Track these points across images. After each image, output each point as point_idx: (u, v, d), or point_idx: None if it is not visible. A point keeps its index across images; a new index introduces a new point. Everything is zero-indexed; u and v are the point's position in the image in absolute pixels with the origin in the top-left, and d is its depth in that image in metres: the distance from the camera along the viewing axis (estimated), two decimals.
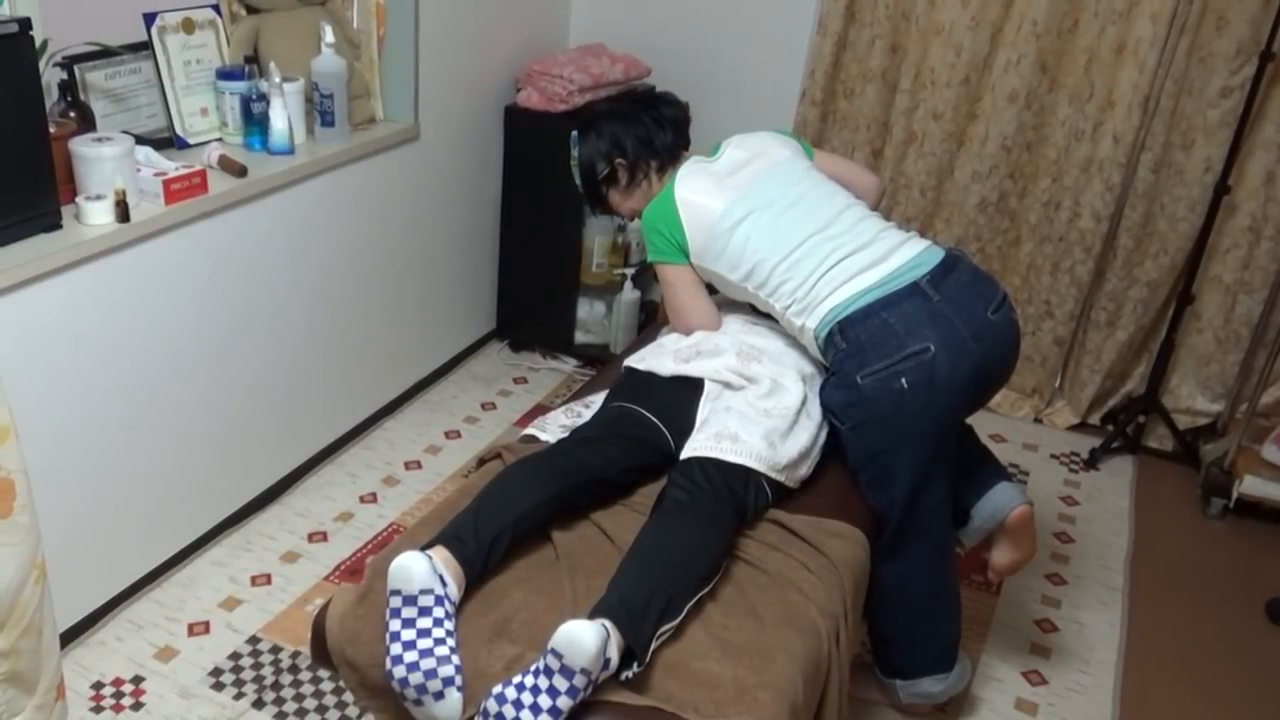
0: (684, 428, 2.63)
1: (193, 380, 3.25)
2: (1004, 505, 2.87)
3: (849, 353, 2.59)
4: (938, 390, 2.54)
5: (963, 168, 4.36)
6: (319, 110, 3.52)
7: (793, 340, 2.85)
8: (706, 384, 2.69)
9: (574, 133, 3.10)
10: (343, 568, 3.47)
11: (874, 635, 2.94)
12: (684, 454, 2.55)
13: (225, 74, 3.35)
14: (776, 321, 2.90)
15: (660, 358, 2.81)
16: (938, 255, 2.69)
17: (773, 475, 2.54)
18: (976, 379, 2.61)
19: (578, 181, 3.13)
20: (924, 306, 2.57)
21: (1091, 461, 4.37)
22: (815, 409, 2.72)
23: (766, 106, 4.60)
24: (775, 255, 2.70)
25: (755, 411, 2.59)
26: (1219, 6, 3.81)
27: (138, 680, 2.99)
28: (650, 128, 3.03)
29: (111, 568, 3.18)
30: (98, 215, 2.82)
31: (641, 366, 2.82)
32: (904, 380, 2.52)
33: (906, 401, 2.54)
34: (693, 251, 2.84)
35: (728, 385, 2.68)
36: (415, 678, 2.01)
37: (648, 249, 2.94)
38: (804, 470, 2.67)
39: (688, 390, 2.70)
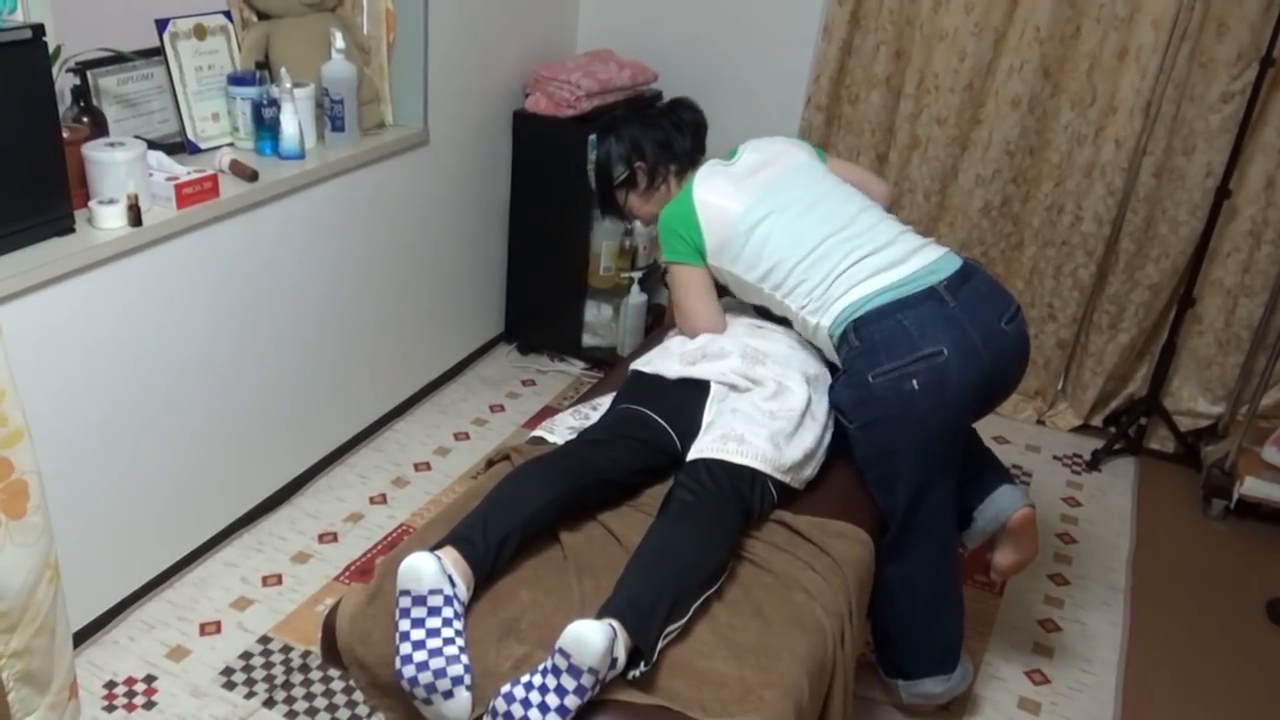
0: (690, 430, 2.64)
1: (204, 382, 3.28)
2: (1006, 508, 2.89)
3: (861, 351, 2.61)
4: (947, 394, 2.56)
5: (966, 172, 4.38)
6: (329, 115, 3.55)
7: (797, 343, 2.87)
8: (712, 386, 2.71)
9: (592, 136, 3.11)
10: (353, 568, 3.49)
11: (877, 636, 2.96)
12: (690, 455, 2.57)
13: (236, 79, 3.38)
14: (782, 325, 2.93)
15: (666, 361, 2.82)
16: (956, 263, 2.70)
17: (778, 476, 2.55)
18: (985, 386, 2.62)
19: (594, 185, 3.15)
20: (940, 311, 2.59)
21: (1094, 463, 4.39)
22: (820, 411, 2.74)
23: (772, 112, 4.63)
24: (794, 256, 2.72)
25: (760, 413, 2.61)
26: (1220, 13, 3.82)
27: (150, 679, 3.02)
28: (669, 132, 3.05)
29: (124, 568, 3.21)
30: (110, 219, 2.84)
31: (648, 369, 2.83)
32: (915, 382, 2.54)
33: (916, 403, 2.56)
34: (710, 252, 2.85)
35: (733, 388, 2.70)
36: (425, 677, 2.03)
37: (662, 249, 2.95)
38: (809, 471, 2.69)
39: (694, 392, 2.71)
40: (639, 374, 2.86)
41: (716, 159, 3.01)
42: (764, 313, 2.98)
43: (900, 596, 2.82)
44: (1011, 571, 2.98)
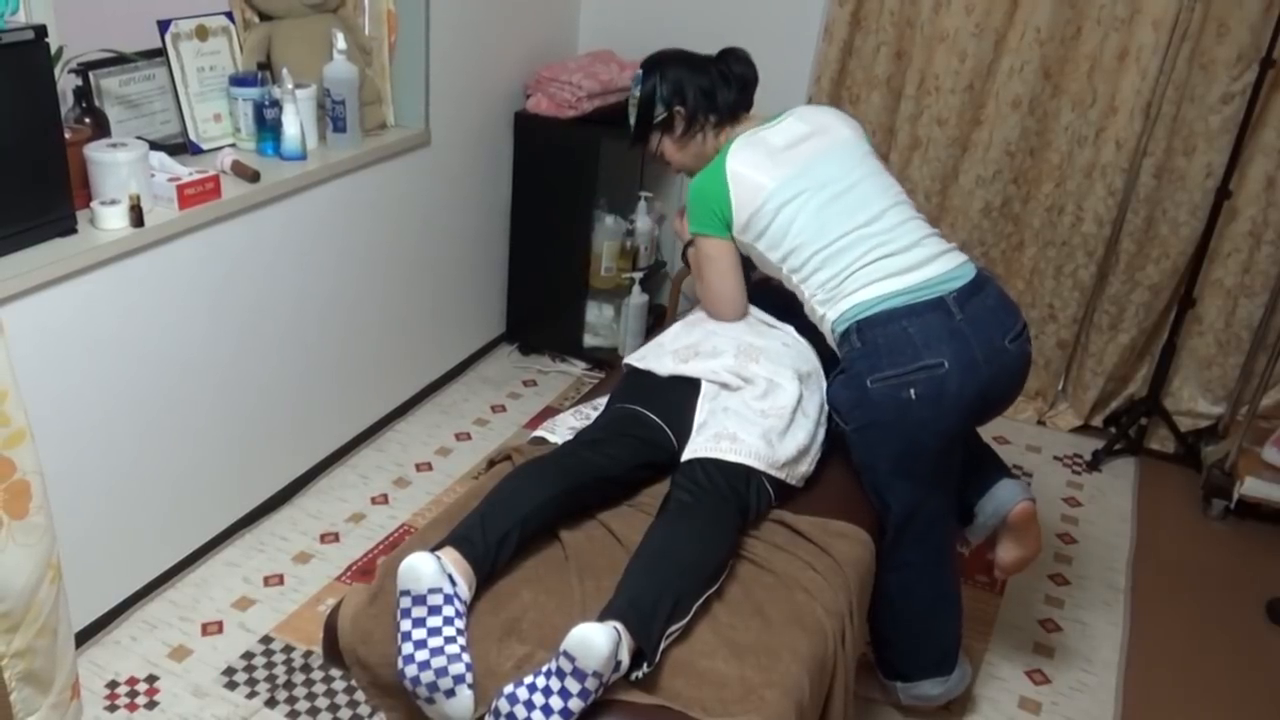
0: (684, 428, 2.66)
1: (206, 382, 3.29)
2: (1006, 501, 2.87)
3: (863, 353, 2.60)
4: (944, 406, 2.56)
5: (967, 173, 4.39)
6: (331, 116, 3.56)
7: (793, 339, 2.88)
8: (703, 385, 2.71)
9: (638, 71, 3.05)
10: (354, 568, 3.50)
11: (875, 639, 2.97)
12: (685, 455, 2.58)
13: (238, 80, 3.38)
14: (779, 318, 2.93)
15: (660, 358, 2.83)
16: (970, 273, 2.68)
17: (773, 473, 2.56)
18: (981, 400, 2.62)
19: (632, 120, 3.05)
20: (946, 322, 2.58)
21: (1094, 463, 4.40)
22: (812, 407, 2.73)
23: (773, 112, 4.62)
24: (816, 244, 2.68)
25: (752, 412, 2.62)
26: (1220, 14, 3.83)
27: (152, 679, 3.03)
28: (716, 81, 2.96)
29: (126, 568, 3.21)
30: (112, 220, 2.85)
31: (641, 365, 2.84)
32: (913, 391, 2.54)
33: (911, 412, 2.56)
34: (736, 226, 2.80)
35: (724, 386, 2.71)
36: (426, 676, 2.03)
37: (690, 219, 2.89)
38: (805, 467, 2.69)
39: (686, 390, 2.72)
40: (633, 371, 2.86)
41: (757, 124, 2.91)
42: (765, 298, 2.99)
43: (898, 602, 2.83)
44: (1015, 568, 2.96)
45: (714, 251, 2.88)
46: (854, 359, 2.63)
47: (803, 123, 2.87)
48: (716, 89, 2.95)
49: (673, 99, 2.96)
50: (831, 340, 2.74)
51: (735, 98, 2.97)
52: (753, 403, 2.64)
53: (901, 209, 2.76)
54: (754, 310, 2.98)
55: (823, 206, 2.70)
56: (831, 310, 2.68)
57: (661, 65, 3.00)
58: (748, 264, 2.93)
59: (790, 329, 2.90)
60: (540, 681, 1.97)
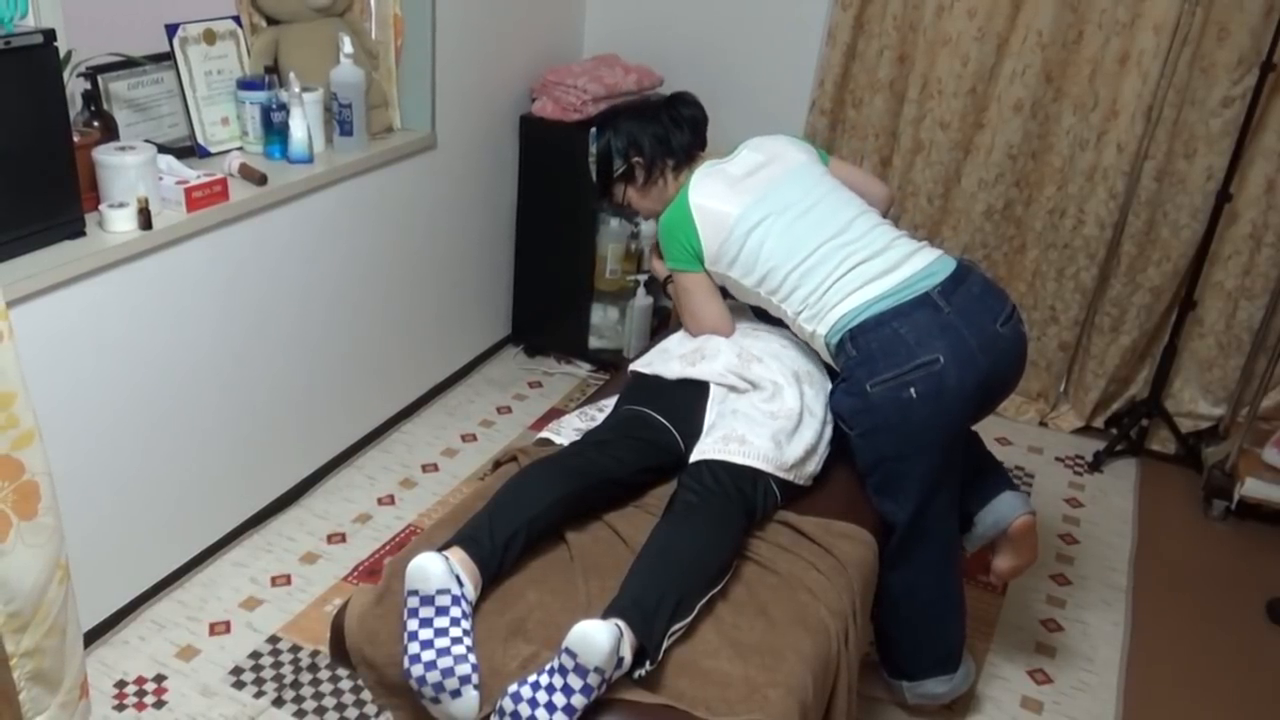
0: (692, 430, 2.67)
1: (213, 384, 3.30)
2: (1007, 514, 2.90)
3: (859, 360, 2.62)
4: (946, 401, 2.57)
5: (969, 176, 4.40)
6: (337, 119, 3.58)
7: (788, 341, 2.89)
8: (712, 388, 2.73)
9: (593, 129, 3.11)
10: (361, 568, 3.51)
11: (880, 638, 2.98)
12: (693, 456, 2.59)
13: (246, 84, 3.40)
14: (774, 325, 2.95)
15: (667, 362, 2.85)
16: (949, 265, 2.71)
17: (781, 475, 2.58)
18: (983, 390, 2.63)
19: (593, 177, 3.12)
20: (935, 317, 2.60)
21: (1095, 464, 4.41)
22: (817, 406, 2.75)
23: (777, 116, 4.64)
24: (789, 262, 2.72)
25: (761, 414, 2.63)
26: (1221, 18, 3.85)
27: (160, 679, 3.04)
28: (668, 127, 3.02)
29: (134, 568, 3.23)
30: (120, 222, 2.86)
31: (648, 371, 2.86)
32: (913, 390, 2.55)
33: (914, 411, 2.57)
34: (707, 257, 2.85)
35: (732, 389, 2.73)
36: (432, 676, 2.04)
37: (664, 256, 2.96)
38: (812, 466, 2.70)
39: (694, 393, 2.74)
40: (640, 375, 2.88)
41: (714, 159, 2.98)
42: (760, 314, 3.00)
43: (903, 602, 2.84)
44: (1010, 576, 3.00)
45: (691, 285, 2.93)
46: (851, 367, 2.64)
47: (757, 153, 2.95)
48: (669, 134, 3.03)
49: (628, 150, 3.03)
50: (827, 355, 2.76)
51: (689, 139, 3.05)
52: (761, 405, 2.66)
53: (868, 217, 2.81)
54: (751, 319, 3.01)
55: (789, 226, 2.75)
56: (820, 325, 2.70)
57: (613, 121, 3.09)
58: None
59: (785, 330, 2.92)
60: (543, 679, 1.98)
